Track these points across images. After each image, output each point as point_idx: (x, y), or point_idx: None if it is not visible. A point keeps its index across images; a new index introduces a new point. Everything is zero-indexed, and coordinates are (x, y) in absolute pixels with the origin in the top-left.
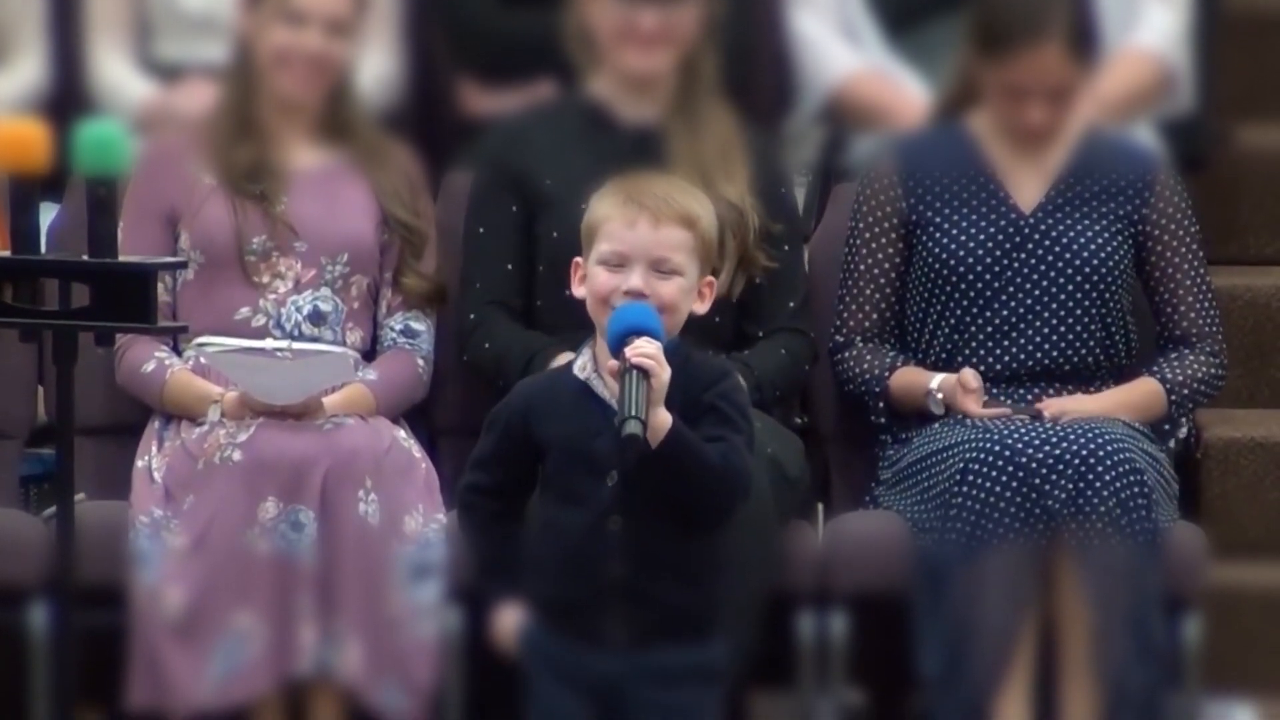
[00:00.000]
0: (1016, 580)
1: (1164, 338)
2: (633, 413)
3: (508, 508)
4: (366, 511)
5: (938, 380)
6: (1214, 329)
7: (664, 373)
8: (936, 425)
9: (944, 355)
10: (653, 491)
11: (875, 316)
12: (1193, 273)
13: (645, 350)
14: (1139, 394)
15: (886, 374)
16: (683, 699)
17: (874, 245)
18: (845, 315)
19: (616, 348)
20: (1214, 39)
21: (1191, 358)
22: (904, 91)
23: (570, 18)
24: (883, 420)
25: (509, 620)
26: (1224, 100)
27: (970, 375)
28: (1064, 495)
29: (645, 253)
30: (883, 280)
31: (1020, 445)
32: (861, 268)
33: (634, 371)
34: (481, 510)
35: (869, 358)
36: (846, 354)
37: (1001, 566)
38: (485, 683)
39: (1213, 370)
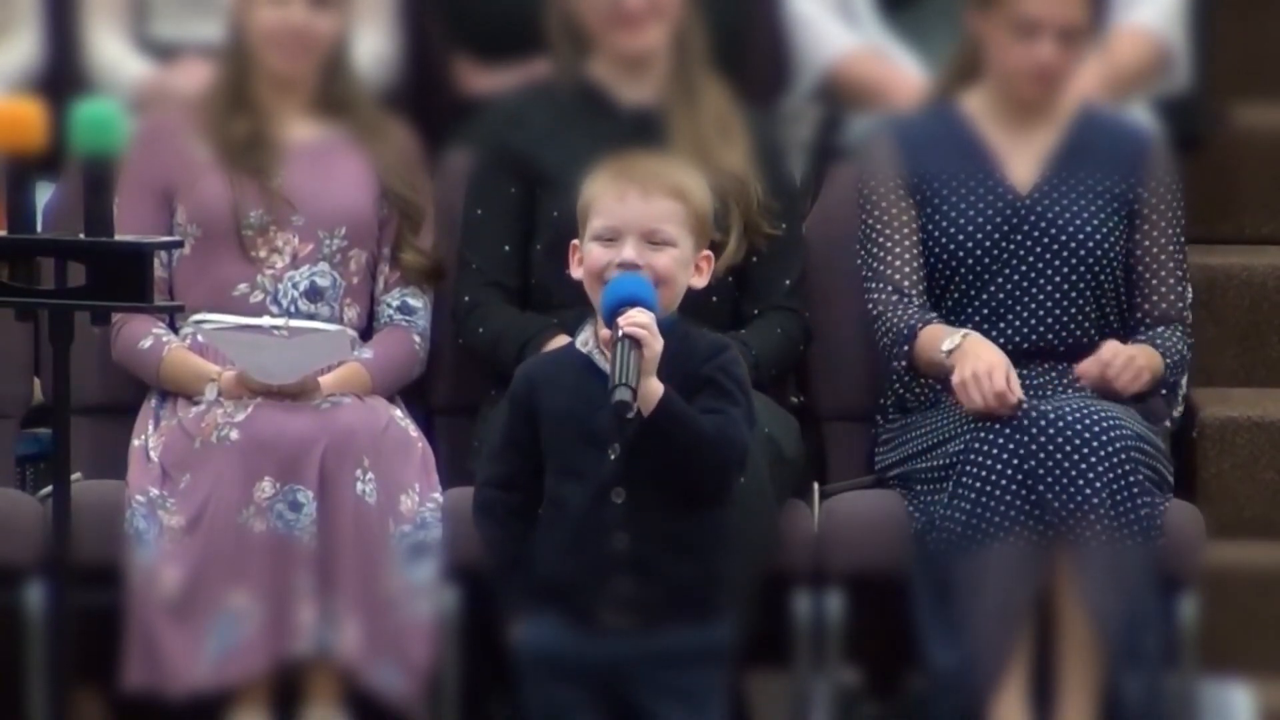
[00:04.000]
0: (1018, 572)
1: (1138, 315)
2: (623, 380)
3: (524, 502)
4: (364, 491)
5: (954, 340)
6: (1186, 313)
7: (656, 343)
8: (934, 416)
9: None
10: (654, 464)
11: (907, 270)
12: (1176, 254)
13: (638, 320)
14: (1146, 350)
15: (918, 325)
16: (691, 682)
17: (894, 211)
18: (874, 278)
19: (610, 318)
20: (1211, 17)
21: (1168, 333)
22: (900, 71)
23: (552, 9)
24: (901, 366)
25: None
26: (1221, 79)
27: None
28: (1059, 488)
29: (637, 224)
30: (912, 240)
31: (1019, 436)
32: (887, 231)
33: (626, 340)
34: (499, 508)
35: (903, 308)
36: (880, 296)
37: (1002, 558)
38: (482, 662)
39: (1187, 351)
